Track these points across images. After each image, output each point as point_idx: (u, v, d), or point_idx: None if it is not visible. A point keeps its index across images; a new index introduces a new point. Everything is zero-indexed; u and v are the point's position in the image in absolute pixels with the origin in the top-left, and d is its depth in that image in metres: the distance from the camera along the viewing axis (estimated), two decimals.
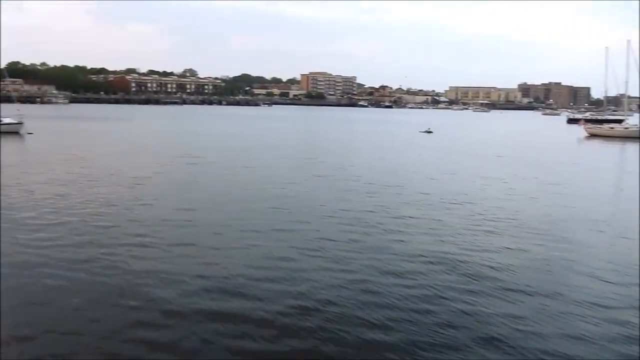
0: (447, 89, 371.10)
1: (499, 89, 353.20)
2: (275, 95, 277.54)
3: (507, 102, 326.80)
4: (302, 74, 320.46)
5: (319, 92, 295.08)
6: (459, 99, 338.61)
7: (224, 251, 14.43)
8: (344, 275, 12.54)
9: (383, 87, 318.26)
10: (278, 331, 9.70)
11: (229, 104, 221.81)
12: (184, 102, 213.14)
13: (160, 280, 12.12)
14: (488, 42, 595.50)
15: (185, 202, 20.98)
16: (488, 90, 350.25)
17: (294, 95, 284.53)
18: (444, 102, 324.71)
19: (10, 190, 22.72)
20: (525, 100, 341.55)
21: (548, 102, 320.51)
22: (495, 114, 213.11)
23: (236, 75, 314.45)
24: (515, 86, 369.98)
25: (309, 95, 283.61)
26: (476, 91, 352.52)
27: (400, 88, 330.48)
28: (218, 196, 22.65)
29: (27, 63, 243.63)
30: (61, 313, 10.41)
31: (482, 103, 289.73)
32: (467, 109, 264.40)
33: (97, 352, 8.96)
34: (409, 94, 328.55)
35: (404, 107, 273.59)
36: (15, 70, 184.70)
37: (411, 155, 43.50)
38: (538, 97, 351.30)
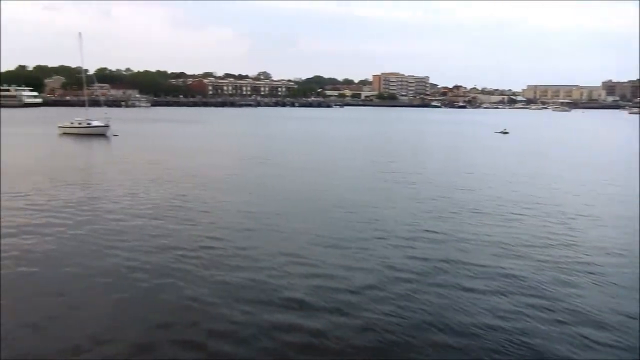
0: (525, 87, 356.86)
1: (581, 87, 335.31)
2: (347, 96, 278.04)
3: (590, 100, 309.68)
4: (374, 75, 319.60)
5: (391, 93, 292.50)
6: (537, 98, 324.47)
7: (291, 259, 14.50)
8: (412, 287, 12.35)
9: (457, 87, 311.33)
10: (344, 345, 9.71)
11: (301, 105, 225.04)
12: (258, 104, 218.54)
13: (226, 286, 12.46)
14: (569, 39, 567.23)
15: (256, 205, 21.47)
16: (569, 89, 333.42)
17: (366, 96, 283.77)
18: (521, 101, 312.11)
19: (93, 189, 24.27)
20: (610, 99, 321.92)
21: (635, 100, 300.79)
22: (576, 113, 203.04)
23: (309, 77, 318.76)
24: (599, 84, 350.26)
25: (380, 96, 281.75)
26: (556, 90, 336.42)
27: (474, 88, 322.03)
28: (289, 200, 22.99)
29: (114, 69, 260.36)
30: (125, 314, 10.97)
31: (562, 102, 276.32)
32: (546, 108, 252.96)
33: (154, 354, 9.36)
34: (483, 94, 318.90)
35: (478, 107, 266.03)
36: (103, 76, 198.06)
37: (485, 157, 42.26)
38: (624, 95, 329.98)
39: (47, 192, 23.57)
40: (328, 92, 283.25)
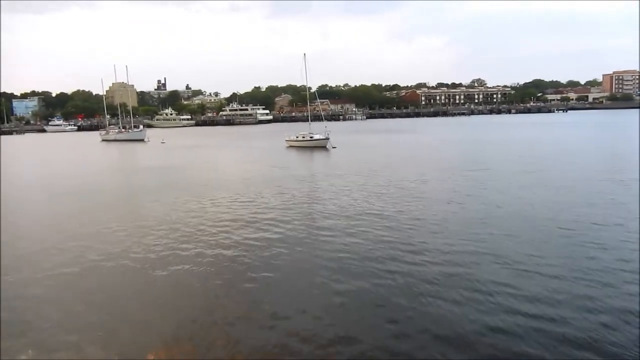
0: None
1: None
2: (572, 99, 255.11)
3: None
4: (604, 75, 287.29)
5: (626, 94, 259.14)
6: None
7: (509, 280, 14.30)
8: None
9: None
10: None
11: (518, 112, 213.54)
12: (472, 113, 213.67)
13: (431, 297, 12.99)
14: None
15: (466, 219, 21.27)
16: None
17: (594, 99, 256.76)
18: None
19: (313, 198, 27.03)
20: None
21: None
22: None
23: (527, 81, 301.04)
24: None
25: (612, 98, 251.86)
26: None
27: None
28: (508, 216, 21.57)
29: (333, 85, 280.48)
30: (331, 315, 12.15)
31: None
32: None
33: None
34: None
35: None
36: (324, 92, 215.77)
37: None
38: None
39: (271, 197, 27.04)
40: (549, 97, 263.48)
